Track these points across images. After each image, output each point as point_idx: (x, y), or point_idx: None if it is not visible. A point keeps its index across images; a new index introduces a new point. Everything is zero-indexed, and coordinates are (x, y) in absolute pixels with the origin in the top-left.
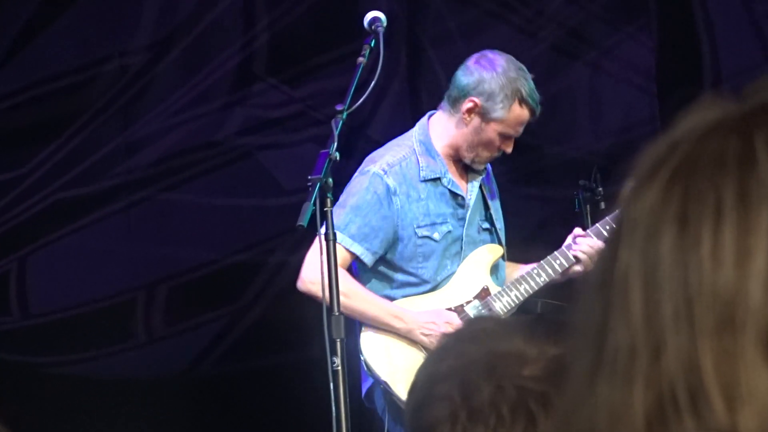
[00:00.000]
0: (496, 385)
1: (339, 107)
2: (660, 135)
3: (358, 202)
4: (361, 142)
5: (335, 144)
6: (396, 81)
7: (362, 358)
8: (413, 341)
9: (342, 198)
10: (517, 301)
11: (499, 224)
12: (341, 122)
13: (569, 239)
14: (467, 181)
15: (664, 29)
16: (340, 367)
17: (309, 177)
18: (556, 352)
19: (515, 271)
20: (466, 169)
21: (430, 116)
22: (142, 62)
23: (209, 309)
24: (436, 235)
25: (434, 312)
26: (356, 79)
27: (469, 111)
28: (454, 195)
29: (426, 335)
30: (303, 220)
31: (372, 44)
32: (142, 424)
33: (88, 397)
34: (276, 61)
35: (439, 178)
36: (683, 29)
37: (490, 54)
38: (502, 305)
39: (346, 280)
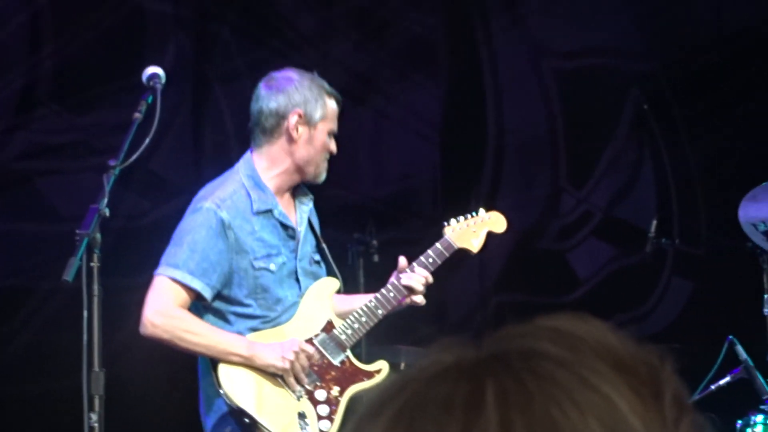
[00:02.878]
0: None
1: (112, 162)
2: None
3: (194, 237)
4: (142, 174)
5: (106, 200)
6: (180, 115)
7: (222, 391)
8: (271, 374)
9: (175, 236)
10: (360, 334)
11: (329, 257)
12: (113, 178)
13: (396, 274)
14: (296, 213)
15: (452, 80)
16: (97, 424)
17: (77, 231)
18: None
19: (347, 302)
20: (293, 201)
21: (252, 152)
22: None
23: None
24: (272, 267)
25: (288, 342)
26: (131, 135)
27: (296, 125)
28: (285, 227)
29: (282, 366)
30: (69, 275)
31: (149, 101)
32: None
33: None
34: (60, 88)
35: (270, 210)
36: (471, 82)
37: (275, 73)
38: (347, 338)
39: (190, 319)
